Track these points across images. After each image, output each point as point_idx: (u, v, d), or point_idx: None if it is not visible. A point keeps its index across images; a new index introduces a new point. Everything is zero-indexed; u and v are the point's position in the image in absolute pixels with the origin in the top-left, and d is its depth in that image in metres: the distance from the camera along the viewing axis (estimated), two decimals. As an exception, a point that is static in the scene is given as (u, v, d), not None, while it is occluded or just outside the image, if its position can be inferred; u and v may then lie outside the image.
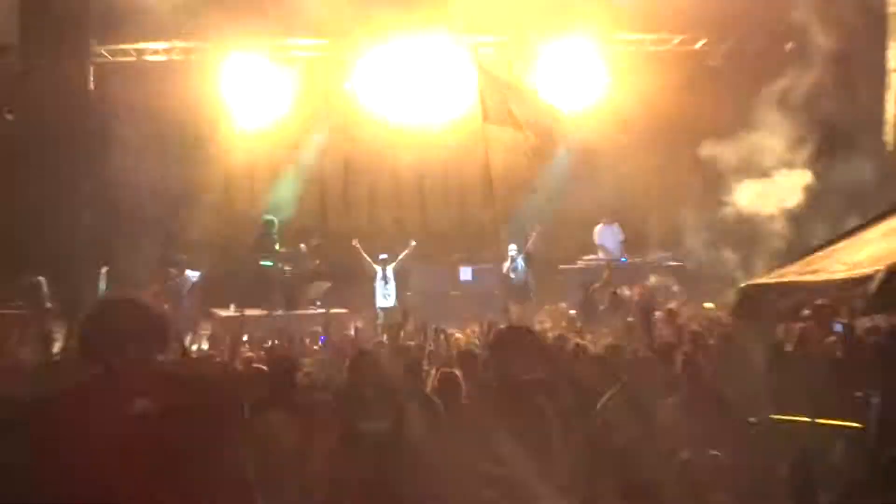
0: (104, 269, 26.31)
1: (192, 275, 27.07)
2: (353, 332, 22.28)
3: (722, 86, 28.89)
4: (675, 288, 26.09)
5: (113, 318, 7.81)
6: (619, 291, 24.87)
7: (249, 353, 18.82)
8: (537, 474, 11.11)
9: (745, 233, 26.55)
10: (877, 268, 17.77)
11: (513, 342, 12.13)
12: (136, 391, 8.30)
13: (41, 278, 24.22)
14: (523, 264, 27.27)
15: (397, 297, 27.07)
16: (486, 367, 14.56)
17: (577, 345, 17.45)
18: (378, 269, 27.03)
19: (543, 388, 12.12)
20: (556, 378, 14.03)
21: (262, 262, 27.55)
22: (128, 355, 7.99)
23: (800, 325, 17.82)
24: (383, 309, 26.46)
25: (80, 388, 8.49)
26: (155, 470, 8.42)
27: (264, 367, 14.78)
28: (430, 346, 18.09)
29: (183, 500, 8.65)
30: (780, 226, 26.22)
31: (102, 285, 26.01)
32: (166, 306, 24.48)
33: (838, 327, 17.37)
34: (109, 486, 8.09)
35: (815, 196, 26.14)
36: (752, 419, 13.91)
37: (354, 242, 27.40)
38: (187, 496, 8.67)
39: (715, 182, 27.26)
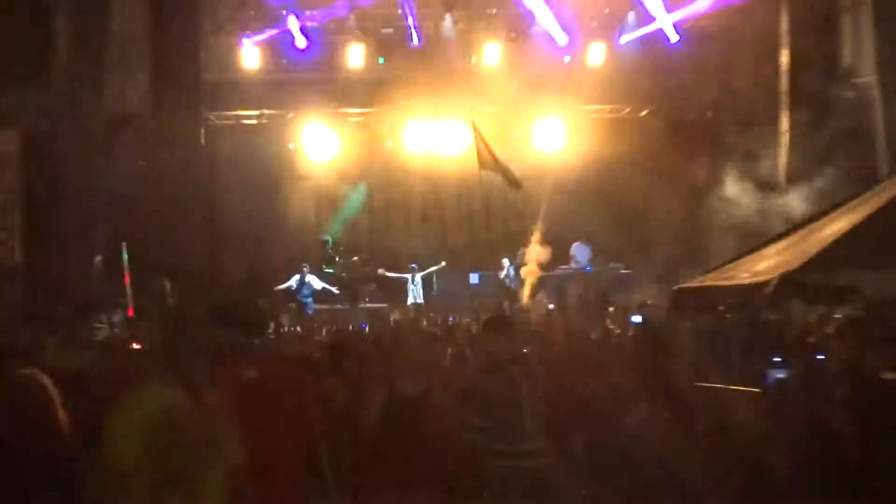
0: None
1: (294, 280, 27.04)
2: (391, 322, 22.19)
3: (659, 142, 28.21)
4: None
5: (232, 312, 8.19)
6: (583, 292, 24.98)
7: (317, 337, 18.83)
8: (512, 424, 11.33)
9: (677, 246, 26.67)
10: (772, 276, 18.00)
11: (495, 328, 12.26)
12: (246, 364, 8.93)
13: (165, 281, 24.41)
14: (514, 272, 27.03)
15: (424, 296, 26.94)
16: (475, 345, 14.90)
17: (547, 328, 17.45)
18: (409, 276, 26.90)
19: (516, 360, 11.78)
20: (529, 352, 13.58)
21: (325, 270, 27.64)
22: (239, 338, 8.52)
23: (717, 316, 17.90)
24: (413, 305, 26.34)
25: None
26: (262, 414, 8.85)
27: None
28: (438, 331, 18.23)
29: (279, 435, 9.11)
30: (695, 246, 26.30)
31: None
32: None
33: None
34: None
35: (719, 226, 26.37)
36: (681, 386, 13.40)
37: (381, 271, 27.57)
38: (283, 432, 9.18)
39: (657, 209, 27.30)
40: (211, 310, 9.62)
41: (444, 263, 27.94)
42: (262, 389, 11.41)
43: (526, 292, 26.30)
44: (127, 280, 22.72)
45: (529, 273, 27.28)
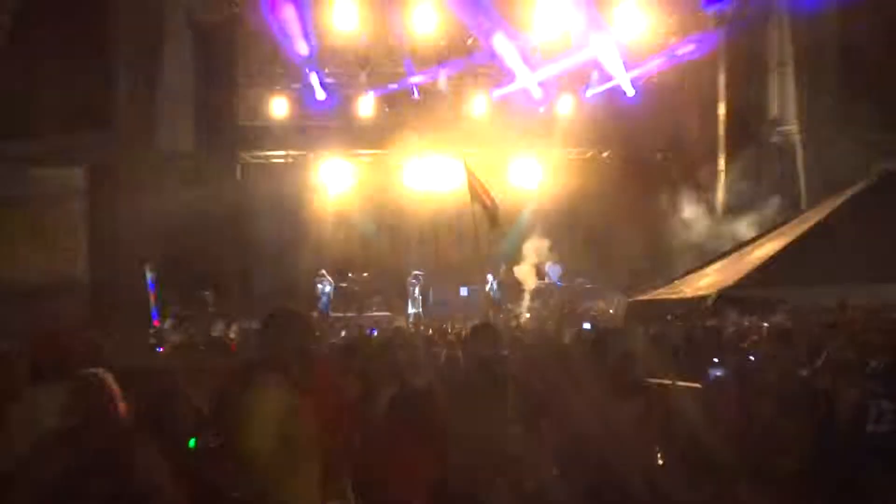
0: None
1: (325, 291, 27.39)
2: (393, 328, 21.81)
3: (618, 178, 29.13)
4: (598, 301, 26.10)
5: (284, 323, 7.97)
6: (554, 303, 25.66)
7: (333, 340, 18.55)
8: (498, 414, 11.99)
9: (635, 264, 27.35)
10: (712, 291, 19.04)
11: (481, 333, 12.86)
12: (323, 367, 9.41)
13: (207, 292, 25.23)
14: (496, 286, 27.20)
15: (421, 306, 27.14)
16: (465, 348, 14.33)
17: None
18: (409, 288, 27.05)
19: (499, 360, 12.76)
20: (510, 353, 13.39)
21: (339, 284, 27.85)
22: (292, 346, 8.13)
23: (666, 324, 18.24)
24: (412, 313, 26.54)
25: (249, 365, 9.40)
26: (331, 411, 8.81)
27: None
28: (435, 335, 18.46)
29: (337, 429, 9.15)
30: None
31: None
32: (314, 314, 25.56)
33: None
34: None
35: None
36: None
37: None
38: (337, 427, 9.20)
39: (618, 234, 27.81)
40: (275, 318, 9.85)
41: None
42: (331, 390, 12.06)
43: (525, 303, 26.64)
44: (153, 298, 22.93)
45: (524, 284, 27.61)
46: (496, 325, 17.59)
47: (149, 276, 23.31)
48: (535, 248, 28.34)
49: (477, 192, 24.03)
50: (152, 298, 22.92)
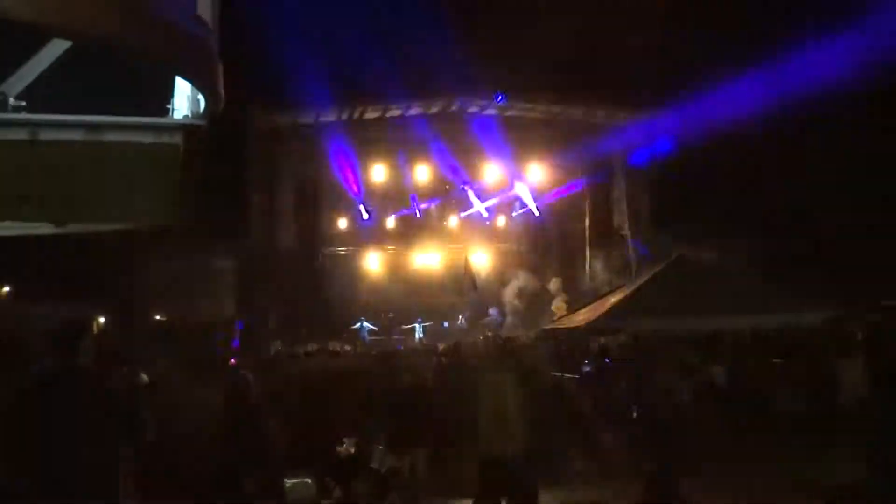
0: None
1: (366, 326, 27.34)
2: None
3: (533, 260, 29.78)
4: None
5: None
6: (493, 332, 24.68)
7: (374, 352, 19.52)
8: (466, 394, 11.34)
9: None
10: (582, 324, 19.28)
11: (452, 349, 13.74)
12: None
13: (303, 329, 25.04)
14: (465, 322, 27.73)
15: (423, 334, 27.12)
16: (447, 357, 15.60)
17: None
18: (417, 326, 27.27)
19: (465, 363, 13.20)
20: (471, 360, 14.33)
21: (375, 322, 27.84)
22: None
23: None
24: (419, 338, 26.65)
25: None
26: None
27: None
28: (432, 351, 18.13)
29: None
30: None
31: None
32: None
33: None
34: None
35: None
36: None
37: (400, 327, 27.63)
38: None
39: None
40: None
41: (430, 323, 27.67)
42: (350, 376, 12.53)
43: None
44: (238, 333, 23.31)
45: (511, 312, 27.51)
46: (461, 344, 18.19)
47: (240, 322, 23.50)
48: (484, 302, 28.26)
49: (468, 269, 25.40)
50: (238, 334, 22.99)
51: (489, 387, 9.26)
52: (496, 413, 8.73)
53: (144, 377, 10.73)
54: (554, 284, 28.15)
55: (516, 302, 28.13)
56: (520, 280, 28.42)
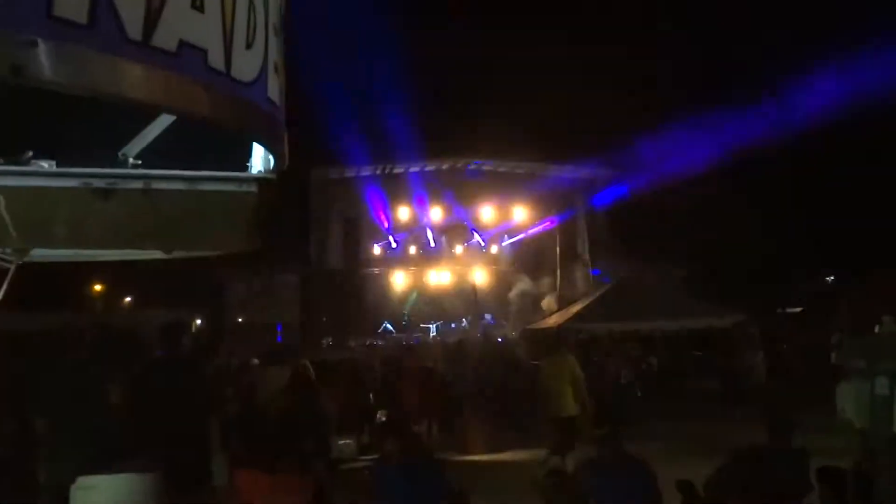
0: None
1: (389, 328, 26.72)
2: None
3: (514, 278, 28.67)
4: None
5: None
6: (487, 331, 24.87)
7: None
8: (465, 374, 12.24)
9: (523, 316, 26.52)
10: (554, 325, 18.89)
11: (456, 344, 13.45)
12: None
13: (349, 329, 24.85)
14: (468, 324, 27.20)
15: (436, 332, 26.62)
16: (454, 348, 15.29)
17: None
18: (431, 326, 27.02)
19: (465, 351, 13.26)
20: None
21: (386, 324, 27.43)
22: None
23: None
24: (433, 335, 26.10)
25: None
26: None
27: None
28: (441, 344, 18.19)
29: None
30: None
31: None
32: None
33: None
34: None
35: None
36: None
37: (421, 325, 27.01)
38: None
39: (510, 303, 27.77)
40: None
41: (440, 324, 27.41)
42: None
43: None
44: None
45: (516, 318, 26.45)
46: (464, 340, 18.37)
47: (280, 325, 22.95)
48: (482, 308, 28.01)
49: (473, 286, 25.17)
50: (279, 334, 22.31)
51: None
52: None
53: (234, 362, 10.82)
54: (546, 286, 27.82)
55: (518, 300, 27.73)
56: (523, 283, 28.08)
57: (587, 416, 8.38)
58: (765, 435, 5.21)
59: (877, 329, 4.15)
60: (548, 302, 26.81)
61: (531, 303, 27.67)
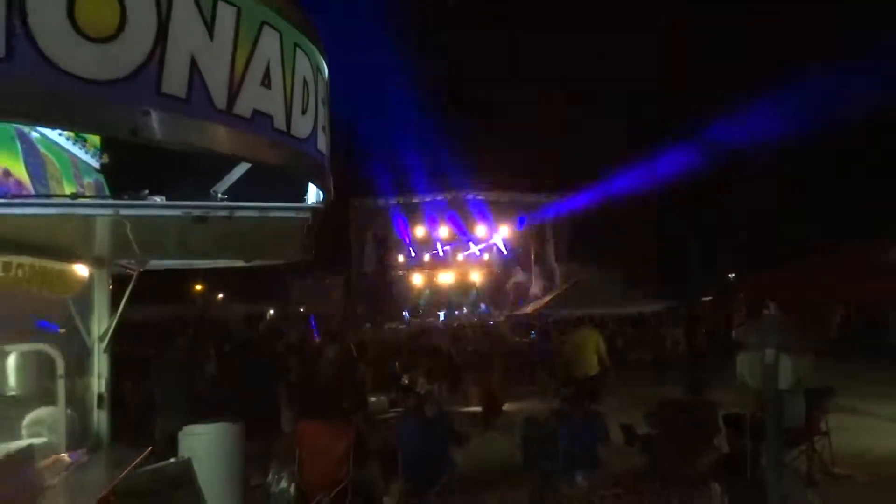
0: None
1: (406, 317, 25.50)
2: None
3: (503, 278, 28.10)
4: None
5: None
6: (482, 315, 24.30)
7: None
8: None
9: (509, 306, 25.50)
10: (532, 311, 18.42)
11: (461, 327, 13.06)
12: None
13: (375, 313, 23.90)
14: (468, 310, 26.57)
15: (445, 318, 25.44)
16: (458, 331, 14.96)
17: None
18: (440, 314, 25.96)
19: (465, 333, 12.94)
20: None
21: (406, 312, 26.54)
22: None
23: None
24: (441, 321, 24.72)
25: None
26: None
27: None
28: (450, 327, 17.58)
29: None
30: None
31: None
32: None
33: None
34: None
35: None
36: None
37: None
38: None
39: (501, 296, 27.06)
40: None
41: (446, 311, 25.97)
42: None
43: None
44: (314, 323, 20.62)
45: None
46: (465, 325, 17.41)
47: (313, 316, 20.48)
48: (478, 300, 27.57)
49: (472, 284, 24.36)
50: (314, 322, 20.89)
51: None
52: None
53: (296, 341, 10.70)
54: (529, 281, 27.02)
55: (513, 290, 27.18)
56: (518, 276, 27.47)
57: (608, 375, 8.22)
58: (685, 391, 5.23)
59: (764, 313, 4.19)
60: (534, 291, 26.15)
61: (516, 294, 27.12)
